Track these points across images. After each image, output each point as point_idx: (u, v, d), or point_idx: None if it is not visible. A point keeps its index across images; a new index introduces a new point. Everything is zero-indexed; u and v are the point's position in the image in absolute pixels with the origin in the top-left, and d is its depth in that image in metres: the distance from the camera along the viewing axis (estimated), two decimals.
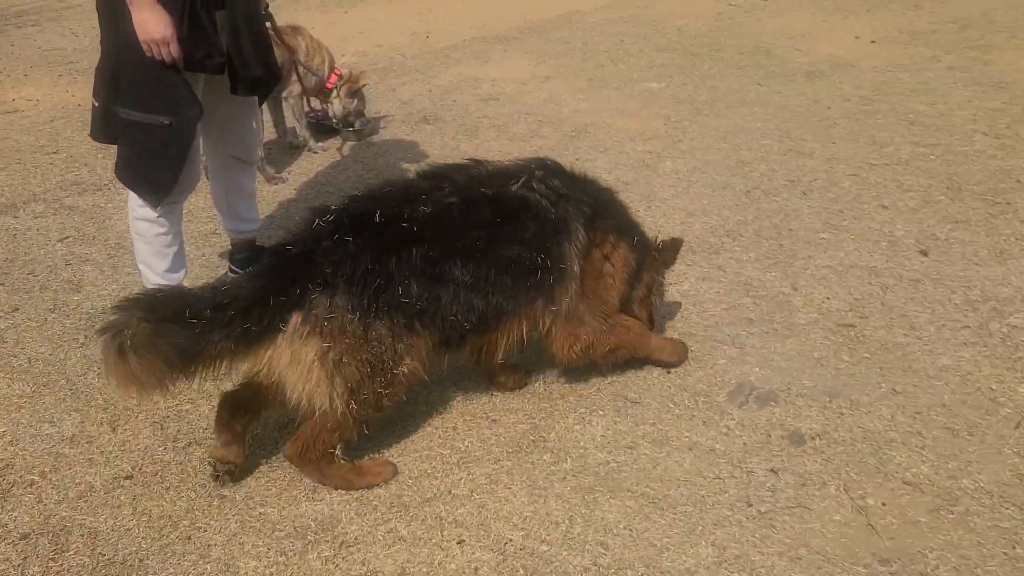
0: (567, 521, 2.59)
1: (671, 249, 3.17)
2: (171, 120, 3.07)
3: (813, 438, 2.86)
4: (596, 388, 3.17)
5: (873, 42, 7.14)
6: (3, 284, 3.94)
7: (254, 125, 3.63)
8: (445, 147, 5.50)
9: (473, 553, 2.47)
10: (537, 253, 2.67)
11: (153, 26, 2.89)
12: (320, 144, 5.51)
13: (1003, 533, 2.44)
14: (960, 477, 2.65)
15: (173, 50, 2.95)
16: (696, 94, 6.24)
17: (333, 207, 2.59)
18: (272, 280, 2.44)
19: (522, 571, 2.41)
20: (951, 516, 2.51)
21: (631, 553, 2.47)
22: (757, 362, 3.25)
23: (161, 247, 3.35)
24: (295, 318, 2.41)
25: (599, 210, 2.89)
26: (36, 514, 2.65)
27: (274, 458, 2.85)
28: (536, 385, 3.21)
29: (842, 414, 2.95)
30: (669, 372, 3.21)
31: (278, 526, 2.59)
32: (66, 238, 4.36)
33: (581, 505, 2.64)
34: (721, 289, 3.75)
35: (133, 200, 3.30)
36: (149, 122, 3.07)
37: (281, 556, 2.48)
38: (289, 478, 2.76)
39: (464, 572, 2.42)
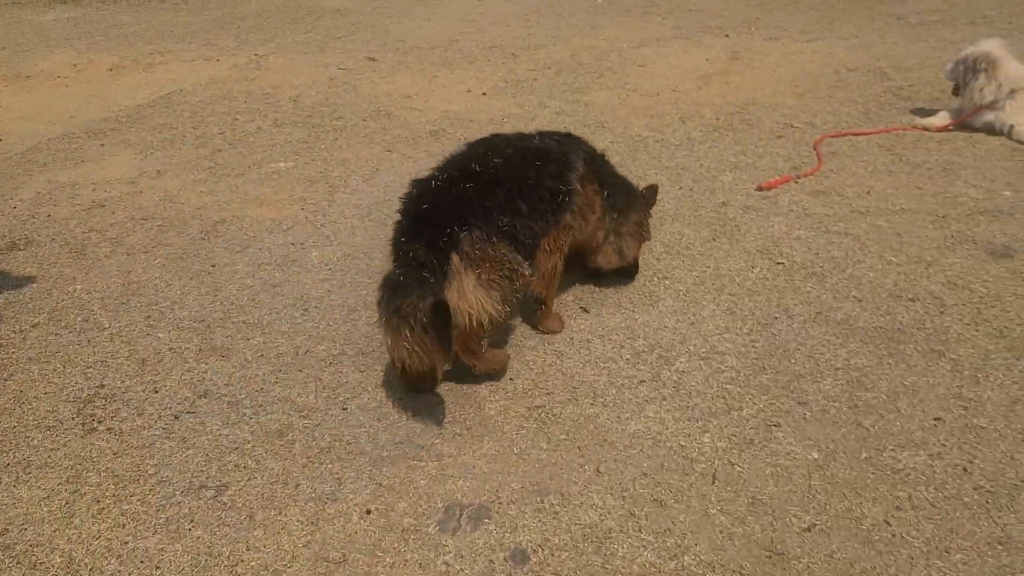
0: None
1: (651, 192, 4.18)
2: None
3: (535, 551, 2.68)
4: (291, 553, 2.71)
5: (484, 94, 7.40)
6: None
7: None
8: (46, 276, 4.61)
9: None
10: (559, 183, 3.52)
11: None
12: None
13: None
14: (681, 554, 2.62)
15: None
16: (328, 170, 5.95)
17: (436, 169, 3.54)
18: (430, 234, 3.17)
19: None
20: None
21: None
22: (460, 474, 3.02)
23: None
24: (454, 257, 3.11)
25: (590, 155, 3.81)
26: None
27: None
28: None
29: (556, 513, 2.81)
30: (369, 513, 2.84)
31: None
32: None
33: None
34: (402, 395, 3.48)
35: None
36: None
37: None
38: None
39: None
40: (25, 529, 2.88)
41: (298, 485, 3.00)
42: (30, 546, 2.80)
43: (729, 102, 6.72)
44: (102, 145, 6.60)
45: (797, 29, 8.75)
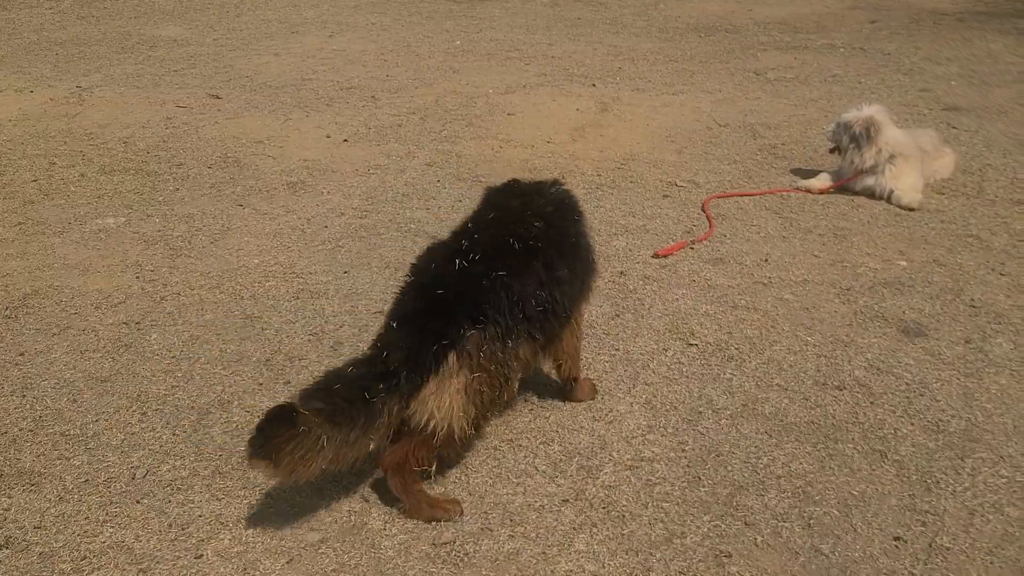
0: None
1: None
2: None
3: None
4: None
5: (346, 141, 6.77)
6: None
7: None
8: None
9: None
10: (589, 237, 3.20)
11: None
12: None
13: None
14: None
15: None
16: (168, 228, 5.13)
17: (463, 241, 2.83)
18: (430, 326, 2.61)
19: None
20: None
21: None
22: None
23: None
24: (451, 356, 2.59)
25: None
26: None
27: None
28: None
29: None
30: None
31: None
32: None
33: None
34: (275, 530, 2.79)
35: None
36: None
37: None
38: None
39: None
40: None
41: None
42: None
43: (607, 157, 6.42)
44: None
45: (661, 81, 8.67)
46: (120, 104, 7.52)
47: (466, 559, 2.69)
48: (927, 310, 4.17)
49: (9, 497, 2.91)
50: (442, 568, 2.65)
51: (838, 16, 11.41)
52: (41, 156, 6.25)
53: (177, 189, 5.75)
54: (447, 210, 5.43)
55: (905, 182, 5.45)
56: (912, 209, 5.37)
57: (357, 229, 5.17)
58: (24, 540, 2.73)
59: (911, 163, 5.50)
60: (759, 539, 2.77)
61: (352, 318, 4.11)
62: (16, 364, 3.71)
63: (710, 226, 5.17)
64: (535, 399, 3.49)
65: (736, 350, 3.85)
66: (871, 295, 4.33)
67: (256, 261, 4.74)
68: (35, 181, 5.80)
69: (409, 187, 5.84)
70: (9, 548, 2.70)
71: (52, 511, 2.85)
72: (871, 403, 3.46)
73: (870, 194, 5.60)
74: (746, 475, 3.06)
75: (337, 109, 7.59)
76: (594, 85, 8.49)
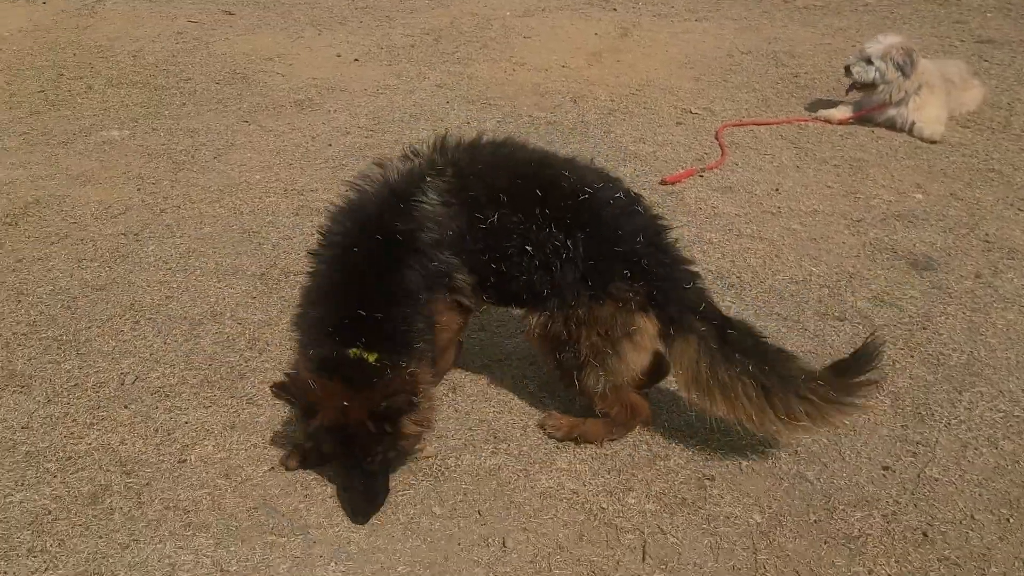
0: None
1: None
2: None
3: None
4: None
5: (356, 60, 6.63)
6: None
7: None
8: None
9: None
10: None
11: None
12: None
13: None
14: None
15: None
16: (172, 142, 5.08)
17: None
18: None
19: None
20: None
21: None
22: (330, 554, 2.41)
23: None
24: None
25: None
26: None
27: None
28: None
29: None
30: None
31: None
32: None
33: None
34: (257, 441, 2.80)
35: None
36: None
37: None
38: None
39: None
40: None
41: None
42: None
43: (623, 83, 6.25)
44: None
45: (684, 7, 8.38)
46: (132, 17, 7.40)
47: (446, 473, 2.68)
48: (939, 244, 4.05)
49: None
50: (422, 482, 2.65)
51: None
52: (49, 67, 6.18)
53: (184, 104, 5.68)
54: (453, 131, 5.31)
55: (928, 113, 5.26)
56: (934, 142, 5.20)
57: (362, 148, 5.08)
58: (11, 440, 2.76)
59: (936, 94, 5.29)
60: (743, 464, 2.74)
61: None
62: (13, 270, 3.71)
63: (722, 154, 5.04)
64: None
65: (737, 278, 3.77)
66: (882, 227, 4.22)
67: (258, 177, 4.69)
68: (42, 92, 5.74)
69: (417, 108, 5.72)
70: None
71: (40, 412, 2.87)
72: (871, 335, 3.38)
73: (891, 125, 5.41)
74: None
75: (350, 28, 7.42)
76: (615, 9, 8.23)
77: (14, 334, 3.28)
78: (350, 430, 2.37)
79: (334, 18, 7.69)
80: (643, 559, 2.39)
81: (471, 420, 2.91)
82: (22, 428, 2.80)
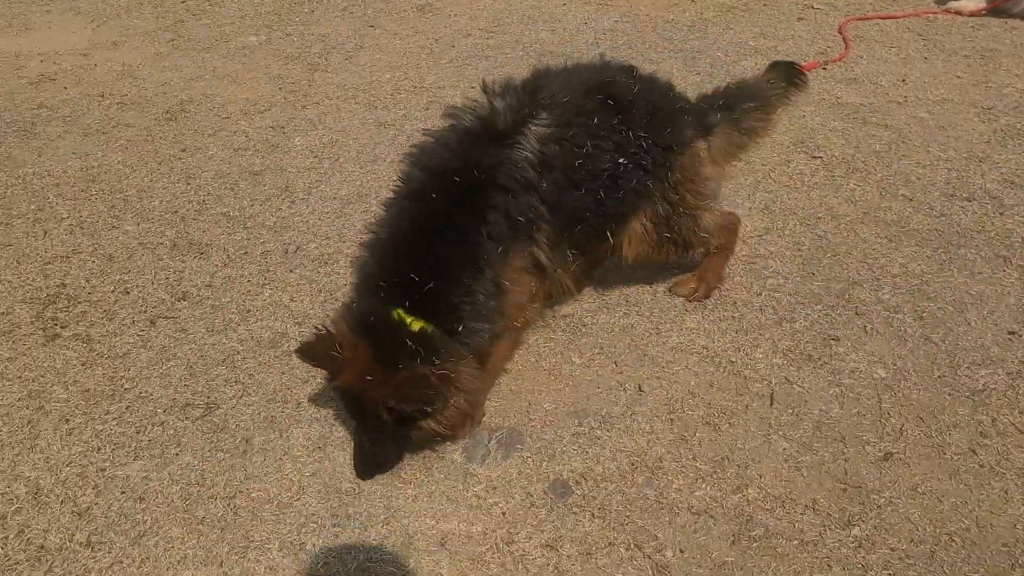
0: None
1: None
2: None
3: (578, 482, 2.35)
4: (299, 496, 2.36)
5: None
6: None
7: None
8: None
9: None
10: None
11: None
12: None
13: (811, 550, 2.15)
14: (743, 487, 2.32)
15: None
16: (306, 46, 5.35)
17: None
18: None
19: None
20: (755, 545, 2.16)
21: None
22: None
23: None
24: None
25: None
26: None
27: None
28: None
29: (598, 438, 2.48)
30: None
31: None
32: None
33: None
34: None
35: None
36: None
37: None
38: None
39: None
40: None
41: (299, 404, 2.62)
42: None
43: None
44: (47, 11, 5.88)
45: None
46: None
47: (583, 329, 2.90)
48: None
49: (183, 262, 3.30)
50: (561, 336, 2.88)
51: None
52: None
53: (312, 11, 5.93)
54: (571, 32, 5.41)
55: None
56: None
57: (483, 49, 5.24)
58: (198, 295, 3.12)
59: None
60: (869, 326, 2.85)
61: None
62: (179, 157, 4.07)
63: (846, 47, 4.97)
64: None
65: (862, 163, 3.80)
66: (1015, 114, 4.14)
67: (387, 76, 4.91)
68: (183, 2, 6.09)
69: (535, 10, 5.81)
70: (186, 301, 3.09)
71: (219, 274, 3.22)
72: (1000, 214, 3.40)
73: None
74: (862, 273, 3.11)
75: None
76: None
77: (187, 211, 3.64)
78: (367, 406, 2.25)
79: None
80: (771, 404, 2.57)
81: (603, 286, 3.10)
82: (206, 286, 3.16)
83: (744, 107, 2.95)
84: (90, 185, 3.84)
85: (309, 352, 2.30)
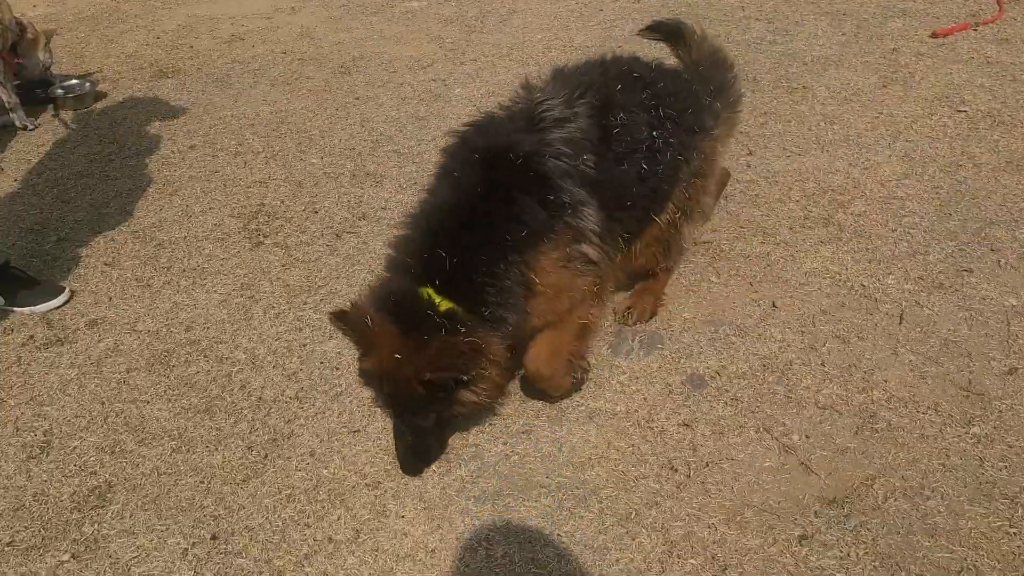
0: (484, 545, 2.17)
1: None
2: None
3: (713, 377, 2.62)
4: None
5: None
6: None
7: None
8: (196, 103, 4.65)
9: None
10: None
11: None
12: (32, 120, 4.46)
13: (931, 443, 2.34)
14: (870, 389, 2.52)
15: None
16: (463, 10, 5.75)
17: None
18: None
19: None
20: (877, 435, 2.37)
21: (566, 565, 2.10)
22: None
23: None
24: None
25: None
26: None
27: None
28: None
29: (732, 343, 2.73)
30: None
31: None
32: None
33: (493, 518, 2.23)
34: None
35: None
36: None
37: None
38: None
39: None
40: (207, 328, 2.98)
41: None
42: (214, 342, 2.90)
43: None
44: None
45: None
46: None
47: (721, 254, 3.15)
48: None
49: (361, 188, 3.74)
50: (700, 259, 3.13)
51: None
52: None
53: None
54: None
55: None
56: None
57: (630, 12, 5.48)
58: (375, 215, 3.55)
59: None
60: (1003, 261, 2.96)
61: None
62: (353, 104, 4.54)
63: (1000, 9, 4.93)
64: (793, 148, 3.77)
65: (1009, 117, 3.84)
66: None
67: (539, 36, 5.24)
68: None
69: None
70: (365, 220, 3.53)
71: (393, 199, 3.65)
72: None
73: None
74: (1000, 215, 3.21)
75: None
76: None
77: (364, 148, 4.09)
78: (400, 384, 2.17)
79: None
80: (900, 322, 2.74)
81: (741, 219, 3.33)
82: (381, 208, 3.59)
83: (734, 96, 2.95)
84: (280, 126, 4.35)
85: (343, 319, 2.22)
